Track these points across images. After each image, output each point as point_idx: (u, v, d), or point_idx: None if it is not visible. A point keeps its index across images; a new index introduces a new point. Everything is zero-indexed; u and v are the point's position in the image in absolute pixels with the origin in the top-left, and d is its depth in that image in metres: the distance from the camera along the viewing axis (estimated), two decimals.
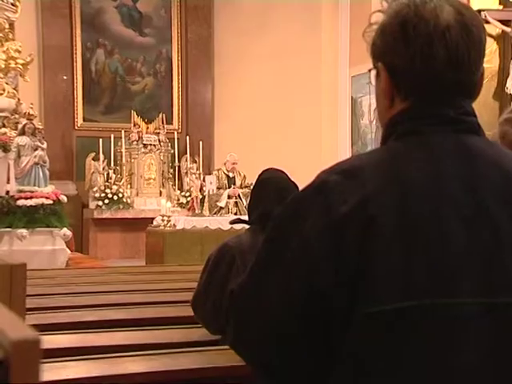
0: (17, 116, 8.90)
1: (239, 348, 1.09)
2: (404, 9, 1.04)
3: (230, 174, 9.05)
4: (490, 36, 7.55)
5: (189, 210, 9.33)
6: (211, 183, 8.81)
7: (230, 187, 8.96)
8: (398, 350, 0.94)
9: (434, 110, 1.04)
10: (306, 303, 0.98)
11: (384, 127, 1.10)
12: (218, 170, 9.34)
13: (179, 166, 11.70)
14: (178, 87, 12.44)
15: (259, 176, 2.53)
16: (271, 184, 2.43)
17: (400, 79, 1.06)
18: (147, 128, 11.50)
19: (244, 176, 9.13)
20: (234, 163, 9.11)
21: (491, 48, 7.56)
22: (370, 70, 1.11)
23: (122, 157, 11.24)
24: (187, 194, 10.76)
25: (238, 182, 9.04)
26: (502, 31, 7.64)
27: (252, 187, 2.58)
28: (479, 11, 7.41)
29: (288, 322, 0.99)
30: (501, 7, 7.80)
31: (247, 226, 2.53)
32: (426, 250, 0.95)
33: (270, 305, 1.00)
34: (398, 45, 1.04)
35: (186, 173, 11.53)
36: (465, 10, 1.05)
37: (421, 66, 1.03)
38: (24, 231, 7.85)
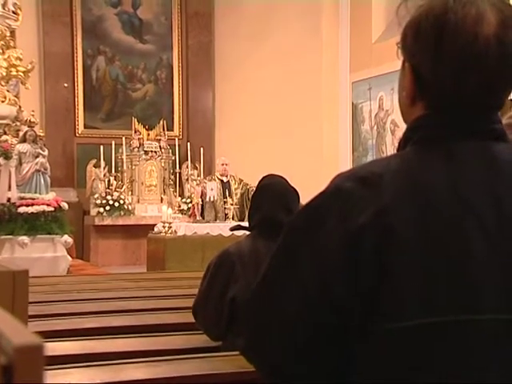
0: (18, 123, 8.92)
1: (251, 355, 1.06)
2: (445, 14, 0.96)
3: (224, 179, 9.03)
4: None
5: (190, 216, 9.33)
6: (212, 190, 8.80)
7: (224, 193, 8.91)
8: (419, 367, 0.91)
9: (458, 119, 1.00)
10: (322, 313, 0.95)
11: (405, 130, 1.05)
12: (212, 177, 9.33)
13: (180, 173, 11.71)
14: (179, 94, 12.46)
15: (259, 182, 2.54)
16: (271, 190, 2.44)
17: (425, 88, 1.01)
18: (148, 135, 11.52)
19: (240, 179, 9.10)
20: (223, 164, 9.09)
21: None
22: (397, 45, 1.04)
23: (122, 163, 11.25)
24: (188, 200, 10.77)
25: (233, 187, 9.02)
26: None
27: (252, 193, 2.59)
28: None
29: (303, 331, 0.96)
30: None
31: (248, 233, 2.54)
32: (447, 263, 0.91)
33: (285, 314, 0.98)
34: (430, 55, 0.98)
35: (187, 179, 11.54)
36: (508, 21, 0.97)
37: (449, 84, 0.98)
38: (25, 238, 7.85)
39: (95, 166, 11.24)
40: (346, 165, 10.12)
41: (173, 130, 12.21)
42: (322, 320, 0.95)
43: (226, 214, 8.82)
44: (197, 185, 9.87)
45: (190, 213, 9.49)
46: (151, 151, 11.31)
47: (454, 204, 0.94)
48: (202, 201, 8.90)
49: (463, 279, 0.91)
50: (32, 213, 7.96)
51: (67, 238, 8.26)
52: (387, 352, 0.92)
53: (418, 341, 0.90)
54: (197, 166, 11.65)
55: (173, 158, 11.62)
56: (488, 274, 0.91)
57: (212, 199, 8.80)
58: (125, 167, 11.22)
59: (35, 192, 8.20)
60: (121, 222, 10.81)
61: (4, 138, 8.50)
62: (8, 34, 9.16)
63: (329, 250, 0.94)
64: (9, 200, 8.06)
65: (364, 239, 0.92)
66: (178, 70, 12.47)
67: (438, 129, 1.00)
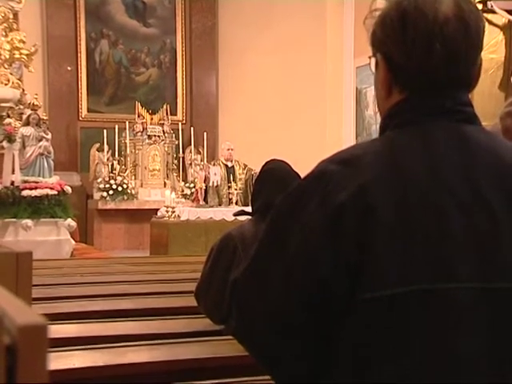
0: (21, 107, 8.92)
1: (241, 337, 1.10)
2: (405, 0, 1.06)
3: (229, 164, 9.00)
4: (496, 26, 7.50)
5: (193, 201, 9.33)
6: (215, 174, 8.79)
7: (229, 178, 8.89)
8: (398, 336, 0.95)
9: (431, 101, 1.06)
10: (307, 291, 0.99)
11: (382, 118, 1.12)
12: (216, 161, 9.31)
13: (183, 157, 11.70)
14: (183, 78, 12.42)
15: (262, 167, 2.54)
16: (274, 175, 2.45)
17: (397, 72, 1.08)
18: (151, 119, 11.49)
19: (244, 165, 9.08)
20: (228, 149, 9.06)
21: (497, 38, 7.51)
22: (370, 58, 1.12)
23: (126, 148, 11.24)
24: (191, 185, 10.77)
25: (237, 172, 9.00)
26: (509, 21, 7.59)
27: (255, 178, 2.60)
28: (485, 1, 7.36)
29: (290, 310, 1.00)
30: None
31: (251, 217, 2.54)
32: (423, 236, 0.97)
33: (272, 294, 1.02)
34: (397, 38, 1.06)
35: (191, 164, 11.54)
36: (464, 2, 1.06)
37: (418, 60, 1.05)
38: (29, 222, 7.88)
39: (98, 150, 11.23)
40: None
41: (176, 115, 12.18)
42: (307, 299, 0.99)
43: (230, 199, 8.82)
44: (200, 169, 9.85)
45: (193, 197, 9.49)
46: (154, 135, 11.28)
47: (431, 183, 0.99)
48: (206, 185, 8.89)
49: (438, 251, 0.96)
50: (35, 196, 7.98)
51: (71, 222, 8.28)
52: (366, 323, 0.96)
53: (393, 309, 0.95)
54: (200, 150, 11.63)
55: (176, 142, 11.60)
56: (462, 246, 0.97)
57: (215, 184, 8.80)
58: (128, 151, 11.21)
59: (39, 175, 8.21)
60: (124, 206, 10.82)
61: (7, 121, 8.50)
62: (11, 16, 9.12)
63: (312, 228, 0.99)
64: (12, 183, 8.07)
65: (345, 216, 0.97)
66: (182, 54, 12.41)
67: (412, 112, 1.07)
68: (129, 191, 10.86)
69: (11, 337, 0.60)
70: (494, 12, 7.35)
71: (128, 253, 9.20)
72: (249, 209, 2.61)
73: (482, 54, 1.11)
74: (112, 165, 11.10)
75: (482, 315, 0.96)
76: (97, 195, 10.87)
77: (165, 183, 11.27)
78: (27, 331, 0.58)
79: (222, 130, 12.33)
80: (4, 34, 8.94)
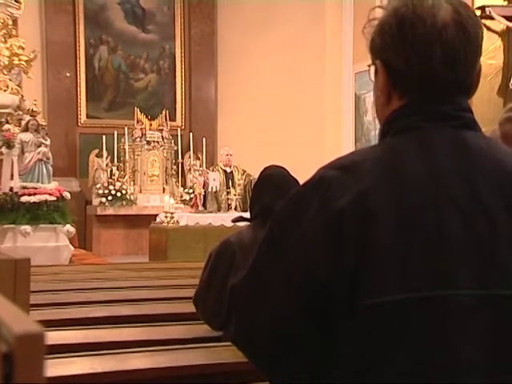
0: (20, 112, 8.92)
1: (241, 343, 1.10)
2: (402, 7, 1.05)
3: (228, 169, 9.01)
4: (495, 32, 7.52)
5: (192, 206, 9.33)
6: (214, 180, 8.79)
7: (228, 183, 8.90)
8: (398, 342, 0.95)
9: (431, 106, 1.06)
10: (308, 297, 0.99)
11: (381, 124, 1.12)
12: (215, 167, 9.32)
13: (182, 163, 11.71)
14: (182, 84, 12.44)
15: (261, 173, 2.54)
16: (272, 180, 2.45)
17: (397, 77, 1.07)
18: (150, 125, 11.51)
19: (243, 170, 9.08)
20: (227, 155, 9.07)
21: (495, 44, 7.53)
22: (369, 66, 1.12)
23: (125, 153, 11.25)
24: (190, 190, 10.77)
25: (236, 178, 9.00)
26: (507, 27, 7.61)
27: (254, 184, 2.60)
28: (484, 7, 7.40)
29: (290, 315, 1.00)
30: (505, 3, 7.77)
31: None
32: (423, 242, 0.97)
33: (273, 299, 1.02)
34: (396, 44, 1.06)
35: (190, 169, 11.54)
36: (462, 8, 1.06)
37: (417, 65, 1.05)
38: (27, 228, 7.87)
39: (97, 156, 11.24)
40: None
41: (175, 120, 12.19)
42: (308, 304, 0.99)
43: (228, 205, 8.82)
44: (199, 175, 9.85)
45: (192, 203, 9.49)
46: (153, 141, 11.30)
47: (429, 187, 0.99)
48: (205, 191, 8.89)
49: (438, 257, 0.96)
50: (34, 202, 7.97)
51: (69, 228, 8.27)
52: (366, 328, 0.96)
53: (394, 315, 0.95)
54: (199, 156, 11.64)
55: (175, 148, 11.61)
56: (462, 252, 0.97)
57: (214, 189, 8.79)
58: (127, 157, 11.22)
59: (37, 181, 8.21)
60: (123, 211, 10.82)
61: (6, 127, 8.51)
62: (10, 22, 9.14)
63: (311, 234, 0.99)
64: (11, 189, 8.07)
65: (345, 222, 0.97)
66: (181, 60, 12.44)
67: (411, 118, 1.06)
68: (128, 197, 10.86)
69: (8, 345, 0.60)
70: (492, 18, 7.38)
71: (127, 258, 9.19)
72: (247, 215, 2.61)
73: (481, 59, 1.10)
74: (111, 170, 11.11)
75: (481, 321, 0.96)
76: (96, 201, 10.87)
77: (164, 189, 11.27)
78: (24, 340, 0.58)
79: (220, 135, 12.34)
80: (3, 40, 8.95)
